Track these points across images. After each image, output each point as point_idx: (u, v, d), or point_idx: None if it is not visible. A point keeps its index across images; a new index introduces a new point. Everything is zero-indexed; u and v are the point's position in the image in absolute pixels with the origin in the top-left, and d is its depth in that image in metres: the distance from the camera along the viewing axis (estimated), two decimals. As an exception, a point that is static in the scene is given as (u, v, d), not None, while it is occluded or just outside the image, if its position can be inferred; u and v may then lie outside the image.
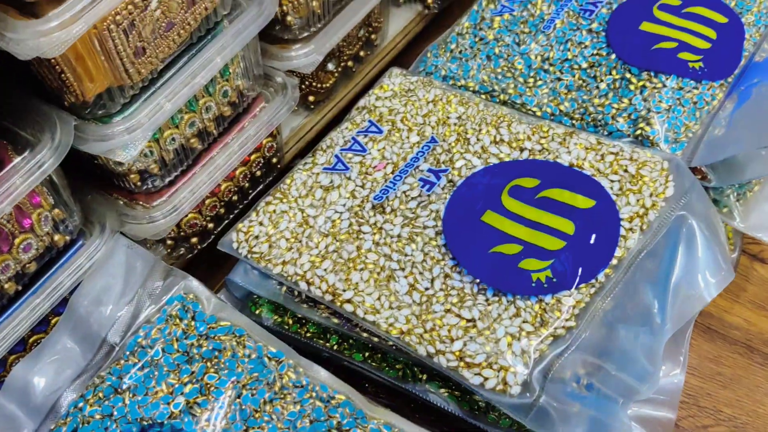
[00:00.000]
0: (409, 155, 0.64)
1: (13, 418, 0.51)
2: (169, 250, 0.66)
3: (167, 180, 0.61)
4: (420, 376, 0.57)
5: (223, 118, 0.63)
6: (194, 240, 0.66)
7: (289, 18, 0.67)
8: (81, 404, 0.51)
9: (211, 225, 0.67)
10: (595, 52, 0.69)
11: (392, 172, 0.63)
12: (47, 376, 0.53)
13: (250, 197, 0.70)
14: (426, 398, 0.57)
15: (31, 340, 0.57)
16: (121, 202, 0.61)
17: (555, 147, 0.61)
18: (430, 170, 0.62)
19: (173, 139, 0.59)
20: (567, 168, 0.59)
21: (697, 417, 0.64)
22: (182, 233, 0.65)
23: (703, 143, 0.62)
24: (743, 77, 0.67)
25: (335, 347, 0.61)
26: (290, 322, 0.63)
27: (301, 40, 0.69)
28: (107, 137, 0.52)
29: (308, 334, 0.62)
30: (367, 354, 0.60)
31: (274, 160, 0.71)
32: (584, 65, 0.69)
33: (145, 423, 0.49)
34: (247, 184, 0.69)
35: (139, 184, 0.60)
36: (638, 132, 0.63)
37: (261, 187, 0.71)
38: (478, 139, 0.63)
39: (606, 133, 0.65)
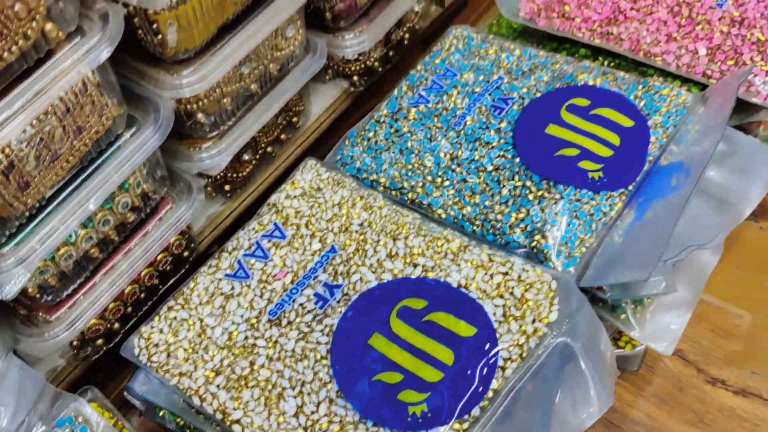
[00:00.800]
0: (309, 264, 0.65)
1: None
2: (75, 351, 0.67)
3: (65, 293, 0.62)
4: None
5: (125, 225, 0.64)
6: (99, 342, 0.68)
7: (199, 116, 0.68)
8: None
9: (117, 326, 0.68)
10: (500, 153, 0.70)
11: (292, 282, 0.64)
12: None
13: (159, 293, 0.71)
14: None
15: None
16: (18, 320, 0.61)
17: (447, 264, 0.62)
18: (325, 284, 0.63)
19: (69, 256, 0.60)
20: (454, 290, 0.60)
21: None
22: (86, 338, 0.66)
23: (593, 262, 0.63)
24: (645, 184, 0.68)
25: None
26: (192, 426, 0.64)
27: (211, 139, 0.69)
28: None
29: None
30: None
31: (186, 254, 0.72)
32: (489, 167, 0.70)
33: None
34: (156, 281, 0.70)
35: (38, 297, 0.61)
36: (534, 244, 0.64)
37: (172, 281, 0.72)
38: (375, 251, 0.64)
39: (503, 242, 0.66)
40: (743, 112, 0.75)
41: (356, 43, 0.78)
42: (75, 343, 0.67)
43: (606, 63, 0.82)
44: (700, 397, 0.71)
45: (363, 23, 0.79)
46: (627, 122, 0.70)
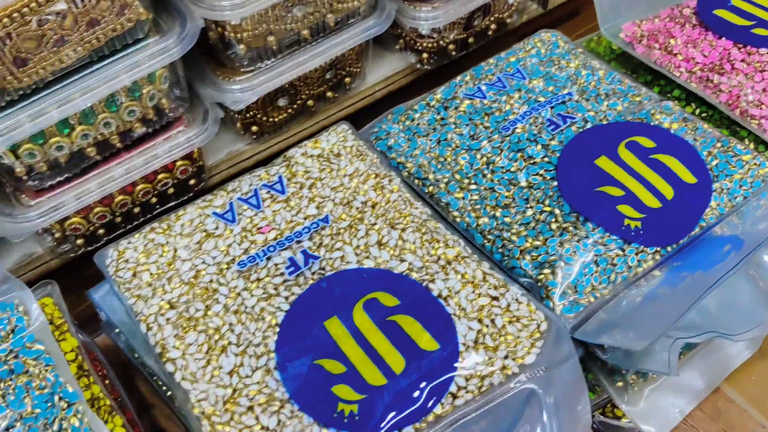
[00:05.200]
0: (297, 227, 0.60)
1: None
2: (55, 244, 0.66)
3: (52, 182, 0.60)
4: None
5: (130, 133, 0.62)
6: (80, 242, 0.66)
7: (240, 47, 0.64)
8: None
9: (101, 231, 0.66)
10: (539, 172, 0.64)
11: (274, 239, 0.60)
12: None
13: (155, 212, 0.69)
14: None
15: None
16: (6, 190, 0.60)
17: (434, 270, 0.56)
18: (304, 252, 0.59)
19: (60, 147, 0.58)
20: (432, 298, 0.55)
21: None
22: (66, 234, 0.65)
23: (598, 315, 0.56)
24: (689, 250, 0.60)
25: (169, 394, 0.60)
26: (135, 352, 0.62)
27: (245, 73, 0.66)
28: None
29: (149, 371, 0.61)
30: (191, 412, 0.58)
31: (192, 182, 0.70)
32: (523, 183, 0.63)
33: None
34: (154, 200, 0.68)
35: (25, 179, 0.59)
36: (540, 277, 0.58)
37: (172, 203, 0.70)
38: (366, 234, 0.59)
39: (509, 266, 0.59)
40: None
41: (430, 17, 0.73)
42: (57, 235, 0.65)
43: (697, 112, 0.73)
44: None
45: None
46: (689, 178, 0.62)
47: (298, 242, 0.60)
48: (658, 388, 0.60)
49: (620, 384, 0.60)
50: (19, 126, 0.54)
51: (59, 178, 0.60)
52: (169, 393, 0.60)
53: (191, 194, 0.71)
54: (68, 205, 0.61)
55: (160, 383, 0.60)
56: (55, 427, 0.50)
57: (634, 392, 0.60)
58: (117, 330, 0.63)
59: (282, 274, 0.58)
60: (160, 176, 0.66)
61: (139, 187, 0.66)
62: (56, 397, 0.52)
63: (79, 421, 0.51)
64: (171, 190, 0.69)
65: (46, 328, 0.56)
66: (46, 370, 0.53)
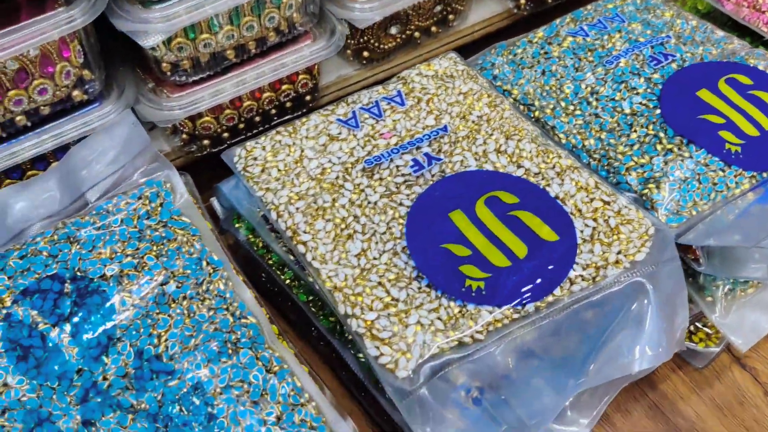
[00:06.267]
0: (416, 135, 0.65)
1: (-15, 229, 0.57)
2: (182, 143, 0.71)
3: (193, 78, 0.65)
4: (346, 335, 0.60)
5: (265, 40, 0.67)
6: (206, 142, 0.71)
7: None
8: (38, 239, 0.56)
9: (226, 134, 0.71)
10: (643, 101, 0.68)
11: (395, 144, 0.65)
12: (25, 207, 0.59)
13: (272, 123, 0.74)
14: (342, 355, 0.59)
15: (27, 173, 0.63)
16: (149, 85, 0.65)
17: (551, 175, 0.61)
18: (426, 154, 0.63)
19: (207, 44, 0.63)
20: (550, 198, 0.59)
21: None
22: (196, 132, 0.69)
23: (698, 227, 0.60)
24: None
25: (287, 282, 0.64)
26: (260, 245, 0.66)
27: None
28: (139, 19, 0.57)
29: (270, 262, 0.66)
30: (311, 298, 0.63)
31: (308, 97, 0.74)
32: (627, 110, 0.68)
33: (78, 274, 0.54)
34: (273, 110, 0.73)
35: (168, 73, 0.64)
36: (645, 191, 0.62)
37: (287, 117, 0.74)
38: (485, 142, 0.64)
39: (615, 182, 0.64)
40: None
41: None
42: (184, 136, 0.70)
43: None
44: (759, 418, 0.66)
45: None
46: (785, 112, 0.66)
47: (418, 148, 0.64)
48: (745, 304, 0.64)
49: (710, 299, 0.64)
50: (177, 16, 0.59)
51: (200, 76, 0.65)
52: (288, 281, 0.64)
53: (305, 110, 0.75)
54: (204, 102, 0.65)
55: (281, 272, 0.65)
56: (204, 287, 0.55)
57: (723, 306, 0.63)
58: (237, 225, 0.68)
59: (404, 175, 0.62)
60: (284, 87, 0.71)
61: (265, 95, 0.70)
62: (204, 262, 0.57)
63: (224, 285, 0.56)
64: (289, 104, 0.73)
65: (191, 205, 0.60)
66: (193, 239, 0.58)
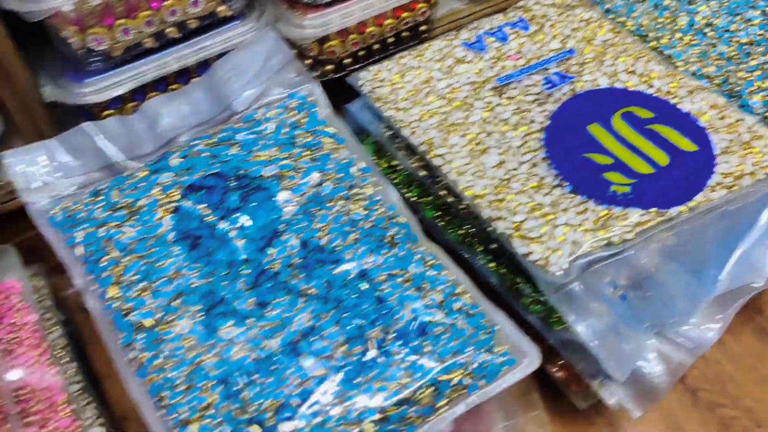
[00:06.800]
0: (543, 57, 0.67)
1: (140, 135, 0.60)
2: (306, 68, 0.73)
3: (324, 2, 0.67)
4: (477, 247, 0.62)
5: (390, -35, 0.69)
6: (329, 68, 0.73)
7: None
8: (196, 143, 0.58)
9: (348, 60, 0.73)
10: (760, 32, 0.69)
11: (523, 65, 0.66)
12: (174, 115, 0.61)
13: (388, 52, 0.76)
14: (475, 266, 0.61)
15: (170, 86, 0.66)
16: (285, 5, 0.67)
17: (682, 94, 0.63)
18: (557, 73, 0.65)
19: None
20: (684, 113, 0.61)
21: (718, 395, 0.65)
22: (321, 57, 0.72)
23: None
24: None
25: (413, 199, 0.67)
26: (384, 165, 0.69)
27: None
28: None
29: (395, 181, 0.68)
30: (438, 213, 0.65)
31: (423, 27, 0.76)
32: (744, 40, 0.69)
33: (240, 173, 0.56)
34: (391, 39, 0.75)
35: (303, -5, 0.66)
36: (769, 113, 0.64)
37: (402, 48, 0.76)
38: (613, 64, 0.66)
39: (738, 105, 0.65)
40: None
41: None
42: (307, 61, 0.72)
43: None
44: None
45: None
46: None
47: (546, 69, 0.66)
48: None
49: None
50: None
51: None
52: (414, 198, 0.66)
53: (418, 41, 0.77)
54: (335, 23, 0.68)
55: (408, 190, 0.67)
56: (354, 190, 0.57)
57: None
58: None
59: (535, 94, 0.64)
60: (404, 14, 0.73)
61: (387, 21, 0.72)
62: (353, 167, 0.59)
63: (374, 188, 0.58)
64: (405, 33, 0.75)
65: (335, 118, 0.63)
66: (340, 147, 0.60)
